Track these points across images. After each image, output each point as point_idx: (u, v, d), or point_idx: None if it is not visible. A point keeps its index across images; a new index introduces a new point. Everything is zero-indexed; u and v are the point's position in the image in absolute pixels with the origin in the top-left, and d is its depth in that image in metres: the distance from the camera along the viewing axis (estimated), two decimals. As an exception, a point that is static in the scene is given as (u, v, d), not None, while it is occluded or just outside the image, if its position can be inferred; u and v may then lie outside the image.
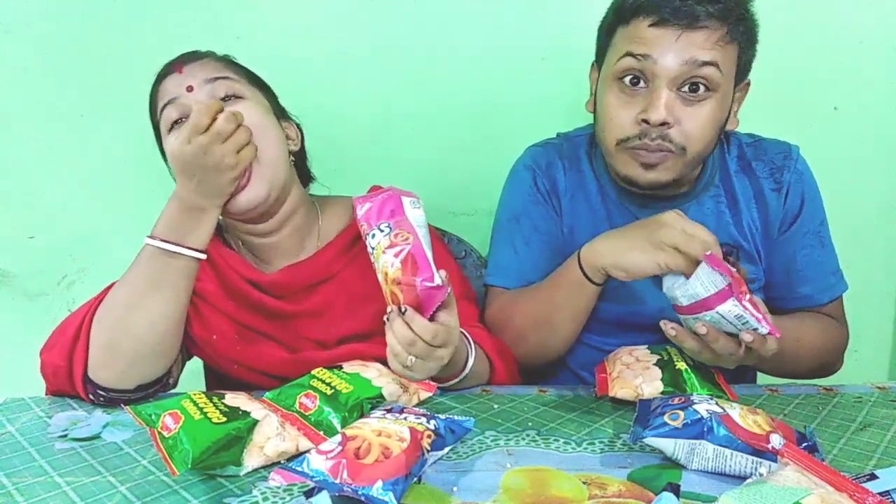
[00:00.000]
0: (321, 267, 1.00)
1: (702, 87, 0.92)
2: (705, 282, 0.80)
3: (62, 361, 0.89)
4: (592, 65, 1.07)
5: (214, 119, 0.84)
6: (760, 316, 0.80)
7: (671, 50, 0.91)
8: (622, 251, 0.90)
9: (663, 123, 0.92)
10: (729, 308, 0.79)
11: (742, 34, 0.93)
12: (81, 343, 0.88)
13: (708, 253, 0.80)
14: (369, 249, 0.80)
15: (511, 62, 1.39)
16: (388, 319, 0.78)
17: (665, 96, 0.92)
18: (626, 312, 1.07)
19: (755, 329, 0.80)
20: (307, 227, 1.03)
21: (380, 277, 0.79)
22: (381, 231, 0.79)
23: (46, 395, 0.93)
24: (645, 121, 0.93)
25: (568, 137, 1.16)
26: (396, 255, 0.76)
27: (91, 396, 0.89)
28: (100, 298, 0.92)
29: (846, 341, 1.09)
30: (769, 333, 0.80)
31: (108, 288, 0.93)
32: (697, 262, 0.82)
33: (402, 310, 0.76)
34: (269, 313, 0.99)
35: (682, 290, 0.82)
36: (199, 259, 0.89)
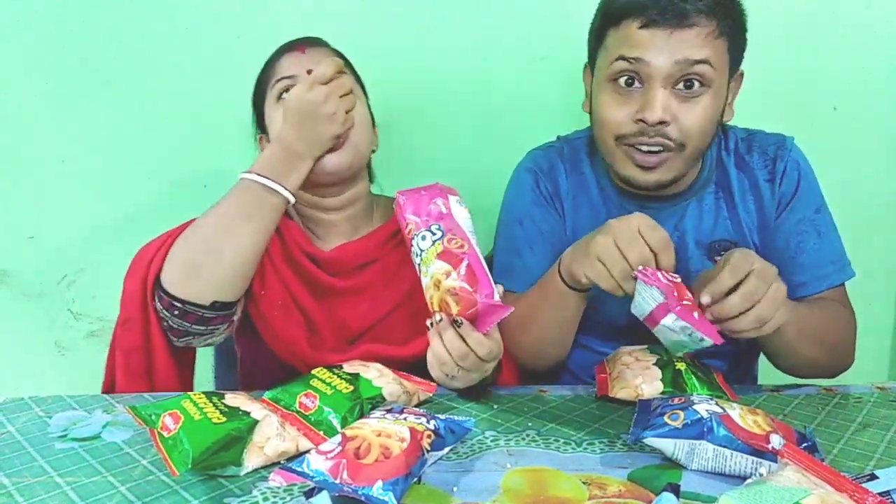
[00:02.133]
0: (371, 248, 1.07)
1: (696, 84, 0.93)
2: (646, 297, 0.79)
3: (138, 284, 0.95)
4: (585, 66, 1.07)
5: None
6: (701, 324, 0.77)
7: (663, 50, 0.91)
8: (572, 258, 0.91)
9: (661, 122, 0.92)
10: (671, 322, 0.78)
11: (731, 27, 0.94)
12: (158, 258, 0.93)
13: (640, 268, 0.80)
14: (415, 250, 0.79)
15: (511, 62, 1.39)
16: (433, 325, 0.78)
17: (661, 95, 0.92)
18: (625, 317, 1.06)
19: (701, 339, 0.78)
20: (363, 215, 1.11)
21: (426, 282, 0.77)
22: (433, 234, 0.77)
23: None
24: (642, 120, 0.93)
25: (568, 140, 1.16)
26: (454, 265, 0.75)
27: (163, 308, 0.92)
28: (176, 232, 0.96)
29: (855, 328, 1.06)
30: (714, 343, 0.78)
31: (187, 223, 0.96)
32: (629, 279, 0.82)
33: (458, 322, 0.76)
34: (319, 289, 1.04)
35: (634, 306, 0.82)
36: (289, 200, 0.94)
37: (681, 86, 0.93)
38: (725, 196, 1.07)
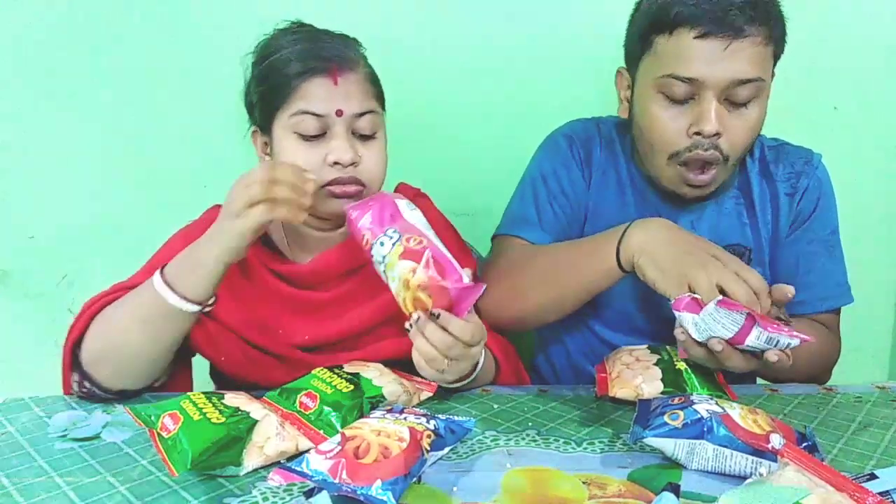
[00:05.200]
0: (354, 254, 0.97)
1: (747, 99, 0.94)
2: (724, 322, 0.78)
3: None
4: (619, 71, 1.06)
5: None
6: (786, 330, 0.77)
7: (718, 65, 0.90)
8: (642, 256, 0.87)
9: (716, 134, 0.93)
10: (756, 337, 0.77)
11: (778, 32, 0.95)
12: (77, 327, 0.89)
13: (720, 299, 0.77)
14: (376, 259, 0.79)
15: (512, 63, 1.39)
16: (413, 326, 0.78)
17: (715, 107, 0.92)
18: (638, 310, 1.06)
19: (788, 345, 0.78)
20: None
21: (395, 286, 0.77)
22: (390, 238, 0.77)
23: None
24: (698, 133, 0.93)
25: (602, 120, 1.16)
26: (417, 261, 0.75)
27: (76, 387, 0.89)
28: (107, 297, 0.91)
29: (838, 356, 1.08)
30: (804, 341, 0.77)
31: (130, 284, 0.92)
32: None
33: (435, 314, 0.75)
34: (291, 305, 0.97)
35: (697, 329, 0.80)
36: (194, 312, 0.86)
37: (732, 97, 0.93)
38: (746, 202, 1.07)
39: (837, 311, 1.09)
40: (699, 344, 0.81)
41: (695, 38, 0.91)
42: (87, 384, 0.88)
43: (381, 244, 0.78)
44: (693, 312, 0.79)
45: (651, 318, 1.04)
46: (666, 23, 0.93)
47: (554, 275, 0.98)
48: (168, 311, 0.84)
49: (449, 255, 0.77)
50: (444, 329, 0.76)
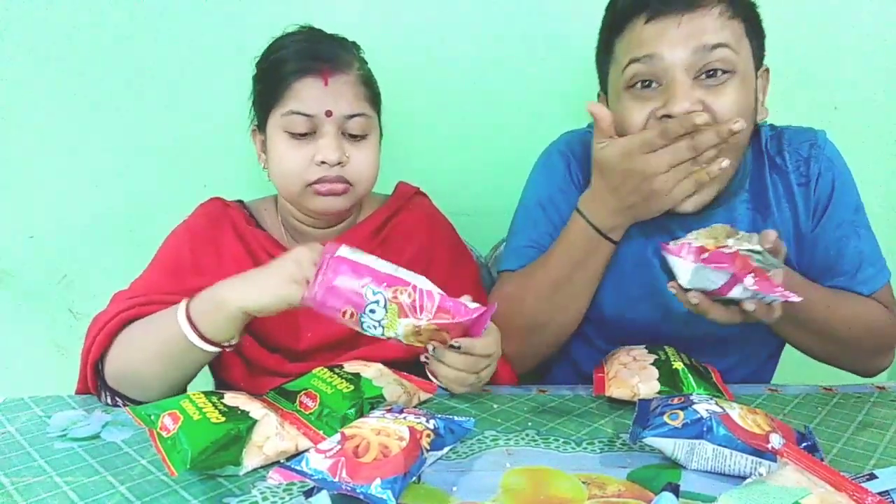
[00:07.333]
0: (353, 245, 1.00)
1: (719, 71, 0.86)
2: (710, 277, 0.78)
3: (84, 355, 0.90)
4: (599, 96, 1.02)
5: None
6: (777, 290, 0.76)
7: (676, 41, 0.85)
8: (608, 212, 0.88)
9: (694, 112, 0.83)
10: (741, 293, 0.78)
11: (744, 9, 0.89)
12: (97, 344, 0.88)
13: (704, 257, 0.76)
14: (369, 324, 0.75)
15: (511, 62, 1.39)
16: (430, 358, 0.81)
17: (683, 84, 0.85)
18: (651, 324, 1.04)
19: (772, 301, 0.78)
20: (351, 216, 1.07)
21: (400, 338, 0.76)
22: (376, 302, 0.73)
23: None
24: (667, 115, 0.85)
25: None
26: (418, 314, 0.74)
27: (109, 400, 0.89)
28: (122, 313, 0.89)
29: (893, 327, 0.99)
30: (790, 300, 0.75)
31: (137, 287, 0.93)
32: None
33: (456, 346, 0.77)
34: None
35: (690, 278, 0.80)
36: (214, 352, 0.84)
37: (703, 76, 0.86)
38: (760, 206, 1.00)
39: (886, 288, 1.00)
40: (686, 292, 0.81)
41: (645, 22, 0.88)
42: (118, 399, 0.89)
43: (372, 311, 0.74)
44: (681, 257, 0.80)
45: (660, 332, 1.02)
46: (619, 21, 0.91)
47: (557, 282, 0.96)
48: (189, 346, 0.82)
49: (437, 290, 0.75)
50: (470, 353, 0.77)
